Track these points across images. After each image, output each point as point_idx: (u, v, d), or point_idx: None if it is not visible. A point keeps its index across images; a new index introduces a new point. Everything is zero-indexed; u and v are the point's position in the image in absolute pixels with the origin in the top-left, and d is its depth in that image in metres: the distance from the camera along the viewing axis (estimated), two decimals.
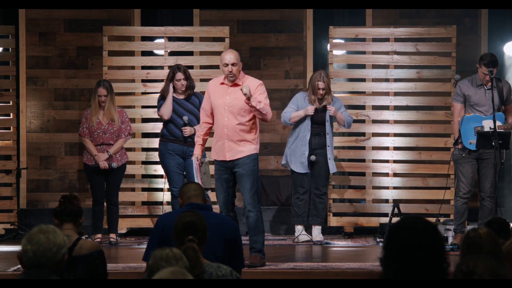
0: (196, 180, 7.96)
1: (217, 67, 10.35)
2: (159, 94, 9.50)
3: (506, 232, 5.30)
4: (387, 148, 10.35)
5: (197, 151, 7.92)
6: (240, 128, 7.70)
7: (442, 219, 9.46)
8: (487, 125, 8.65)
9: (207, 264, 4.52)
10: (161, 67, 10.44)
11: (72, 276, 5.18)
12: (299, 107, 9.50)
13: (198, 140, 7.94)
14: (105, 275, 5.32)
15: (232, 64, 7.64)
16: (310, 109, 9.39)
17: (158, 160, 9.63)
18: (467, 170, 8.86)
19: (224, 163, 7.77)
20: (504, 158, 8.72)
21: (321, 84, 9.39)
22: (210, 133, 7.94)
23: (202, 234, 4.67)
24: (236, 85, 7.69)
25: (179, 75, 9.32)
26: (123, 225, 10.24)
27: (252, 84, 7.69)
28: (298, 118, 9.47)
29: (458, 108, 9.00)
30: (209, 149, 8.16)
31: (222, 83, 7.78)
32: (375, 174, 10.39)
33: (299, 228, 9.64)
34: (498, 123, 8.62)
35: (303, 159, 9.48)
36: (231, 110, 7.68)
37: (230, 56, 7.67)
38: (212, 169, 8.04)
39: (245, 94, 7.50)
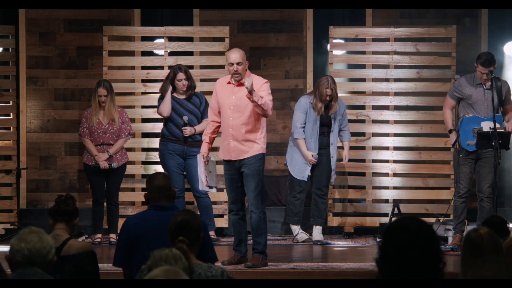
0: (199, 178, 7.99)
1: (217, 67, 10.37)
2: (159, 94, 9.52)
3: (504, 232, 5.27)
4: (387, 148, 10.35)
5: (203, 149, 7.92)
6: (245, 128, 7.69)
7: (442, 219, 9.45)
8: (486, 126, 8.64)
9: (197, 265, 4.50)
10: (161, 67, 10.44)
11: (59, 275, 5.14)
12: (307, 112, 9.46)
13: (205, 138, 7.93)
14: (95, 275, 5.27)
15: (238, 63, 7.61)
16: (311, 161, 9.44)
17: (158, 160, 9.64)
18: (465, 170, 8.85)
19: (231, 163, 7.78)
20: (500, 158, 8.68)
21: (329, 91, 9.37)
22: (217, 131, 7.94)
23: (195, 233, 4.66)
24: (241, 84, 7.67)
25: (181, 75, 9.33)
26: None
27: (257, 82, 7.67)
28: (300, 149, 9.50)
29: (449, 102, 9.01)
30: (217, 148, 8.15)
31: (229, 82, 7.77)
32: (375, 174, 10.39)
33: (295, 228, 9.63)
34: (497, 125, 8.59)
35: (303, 167, 9.50)
36: (237, 110, 7.68)
37: (235, 55, 7.64)
38: (219, 168, 8.03)
39: (246, 87, 7.48)
